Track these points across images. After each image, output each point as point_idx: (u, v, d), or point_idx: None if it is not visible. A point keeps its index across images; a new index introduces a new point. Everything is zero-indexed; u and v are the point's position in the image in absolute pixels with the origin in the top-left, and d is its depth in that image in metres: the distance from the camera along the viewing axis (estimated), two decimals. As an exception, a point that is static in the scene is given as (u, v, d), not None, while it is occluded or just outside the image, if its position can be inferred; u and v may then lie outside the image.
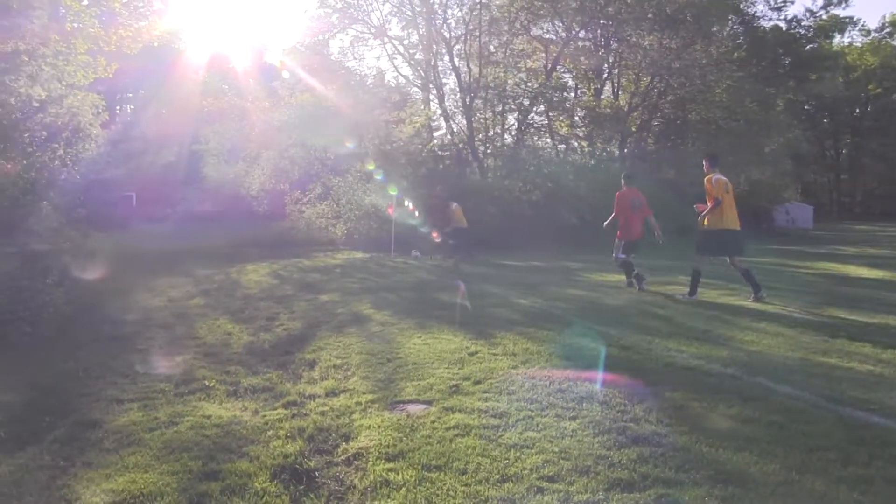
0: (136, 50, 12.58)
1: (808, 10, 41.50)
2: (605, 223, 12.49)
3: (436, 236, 18.18)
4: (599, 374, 5.77)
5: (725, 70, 29.03)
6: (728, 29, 35.50)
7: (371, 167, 25.48)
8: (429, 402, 5.14)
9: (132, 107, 41.97)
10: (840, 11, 44.48)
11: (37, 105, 11.26)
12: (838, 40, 49.74)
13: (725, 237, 10.23)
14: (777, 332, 7.64)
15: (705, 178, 10.33)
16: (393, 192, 23.14)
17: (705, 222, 10.28)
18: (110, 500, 3.66)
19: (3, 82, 10.44)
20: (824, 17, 41.44)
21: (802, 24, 39.20)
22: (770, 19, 37.72)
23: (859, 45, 61.24)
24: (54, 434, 4.74)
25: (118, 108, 42.26)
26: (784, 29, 38.41)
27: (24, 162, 10.66)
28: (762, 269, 15.28)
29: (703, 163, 10.66)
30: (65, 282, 9.44)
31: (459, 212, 18.11)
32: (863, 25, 63.28)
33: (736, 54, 33.89)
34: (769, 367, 5.99)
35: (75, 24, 11.80)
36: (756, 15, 36.57)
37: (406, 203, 20.24)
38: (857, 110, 66.63)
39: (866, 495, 3.49)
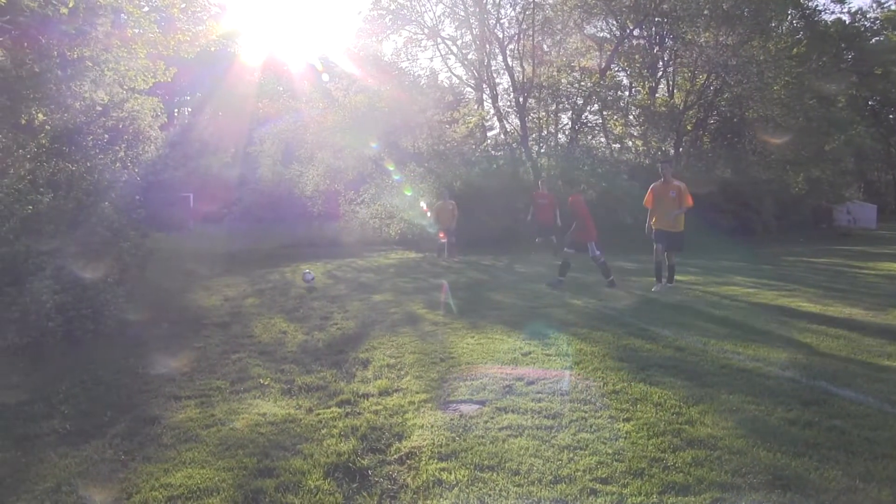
0: (194, 54, 12.81)
1: (874, 0, 40.18)
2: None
3: (442, 236, 18.33)
4: (653, 376, 5.71)
5: (784, 66, 28.32)
6: (787, 24, 34.67)
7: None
8: (482, 402, 5.14)
9: (189, 109, 42.76)
10: (910, 1, 42.97)
11: (99, 109, 11.56)
12: (907, 32, 48.00)
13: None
14: (838, 335, 7.44)
15: (678, 183, 11.81)
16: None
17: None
18: (168, 494, 3.74)
19: (69, 87, 10.75)
20: (893, 7, 40.09)
21: (868, 16, 38.08)
22: (832, 12, 36.80)
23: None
24: (116, 428, 4.86)
25: (176, 110, 43.07)
26: (847, 22, 37.36)
27: (88, 164, 10.94)
28: (823, 269, 14.94)
29: (667, 168, 12.24)
30: (125, 281, 9.65)
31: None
32: (935, 14, 61.00)
33: (795, 50, 33.07)
34: (830, 371, 5.84)
35: (136, 30, 12.07)
36: (817, 8, 35.67)
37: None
38: (927, 105, 64.34)
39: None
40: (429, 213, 20.57)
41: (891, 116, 62.92)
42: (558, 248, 17.57)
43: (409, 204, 24.64)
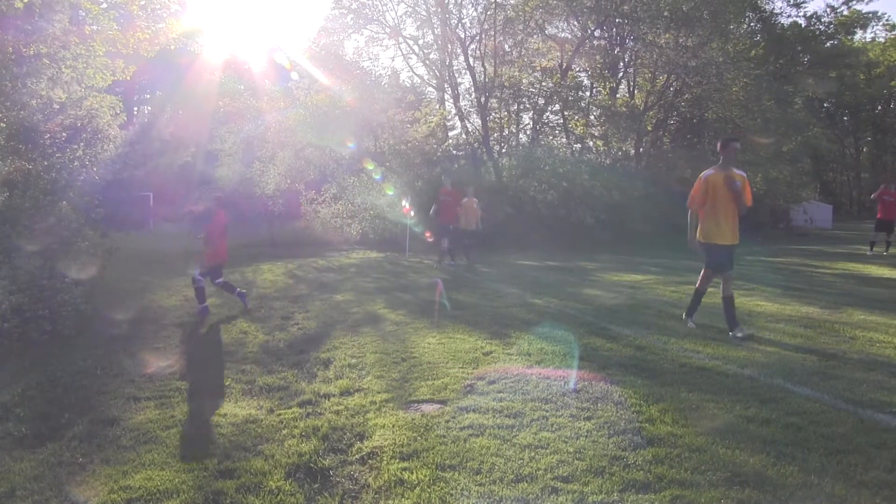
0: (154, 52, 12.62)
1: (828, 5, 41.01)
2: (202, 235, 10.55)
3: (429, 236, 17.82)
4: (614, 375, 5.76)
5: (742, 68, 28.74)
6: (745, 26, 35.20)
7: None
8: (443, 402, 5.15)
9: (149, 108, 42.23)
10: (862, 7, 43.88)
11: (57, 107, 11.35)
12: (860, 36, 48.90)
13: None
14: (795, 333, 7.59)
15: (742, 172, 8.04)
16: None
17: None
18: (128, 497, 3.70)
19: (24, 85, 10.54)
20: (845, 12, 40.88)
21: (822, 20, 38.75)
22: (789, 16, 37.30)
23: (882, 39, 59.98)
24: (73, 431, 4.79)
25: (136, 109, 42.55)
26: (803, 25, 37.98)
27: (45, 163, 10.76)
28: (781, 269, 15.20)
29: (733, 149, 7.93)
30: (83, 281, 9.51)
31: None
32: (887, 20, 62.23)
33: (753, 52, 33.61)
34: (787, 369, 5.95)
35: (94, 27, 11.87)
36: (774, 11, 36.20)
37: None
38: (879, 107, 65.56)
39: (890, 501, 3.46)
40: (412, 214, 20.18)
41: (845, 119, 64.31)
42: (451, 251, 17.11)
43: (372, 203, 24.62)
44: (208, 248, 10.06)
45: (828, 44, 39.93)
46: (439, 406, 5.07)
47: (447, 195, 17.22)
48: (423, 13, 29.97)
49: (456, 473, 3.83)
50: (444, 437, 4.40)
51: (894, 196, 19.03)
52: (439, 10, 29.21)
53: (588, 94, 33.81)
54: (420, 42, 31.69)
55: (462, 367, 6.17)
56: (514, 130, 34.48)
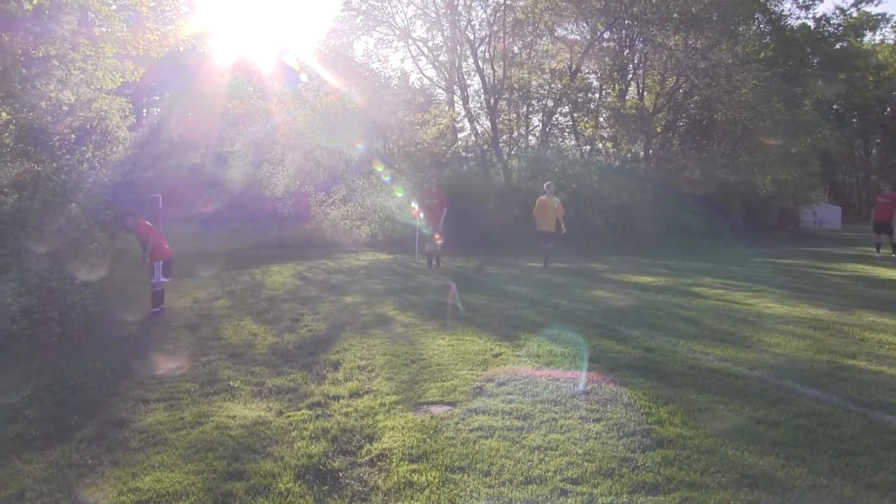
0: (163, 54, 12.64)
1: (837, 7, 40.96)
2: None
3: (438, 238, 17.43)
4: (623, 377, 5.74)
5: (752, 70, 28.72)
6: (754, 28, 35.17)
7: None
8: (452, 404, 5.14)
9: (158, 110, 42.43)
10: (872, 8, 43.62)
11: (66, 109, 11.38)
12: (869, 38, 48.66)
13: None
14: (804, 335, 7.54)
15: None
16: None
17: None
18: (137, 499, 3.70)
19: (34, 86, 10.58)
20: (854, 14, 40.74)
21: (832, 22, 38.67)
22: (798, 18, 37.27)
23: (892, 42, 59.70)
24: (83, 433, 4.81)
25: (145, 111, 42.79)
26: (812, 27, 37.93)
27: (54, 165, 10.79)
28: (790, 270, 15.13)
29: None
30: (92, 283, 9.54)
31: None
32: (896, 22, 61.89)
33: (762, 54, 33.55)
34: (796, 370, 5.92)
35: (104, 29, 11.91)
36: (783, 13, 36.17)
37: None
38: (888, 109, 65.24)
39: (898, 502, 3.44)
40: (421, 216, 19.88)
41: (854, 121, 64.04)
42: (431, 253, 16.30)
43: (381, 205, 24.64)
44: (154, 250, 10.36)
45: (837, 46, 39.86)
46: (448, 408, 5.06)
47: (432, 197, 16.37)
48: (433, 15, 30.00)
49: (465, 475, 3.83)
50: (454, 438, 4.39)
51: (890, 198, 18.99)
52: (448, 12, 29.22)
53: (597, 95, 33.82)
54: (429, 44, 31.72)
55: (471, 369, 6.16)
56: (524, 132, 34.49)
